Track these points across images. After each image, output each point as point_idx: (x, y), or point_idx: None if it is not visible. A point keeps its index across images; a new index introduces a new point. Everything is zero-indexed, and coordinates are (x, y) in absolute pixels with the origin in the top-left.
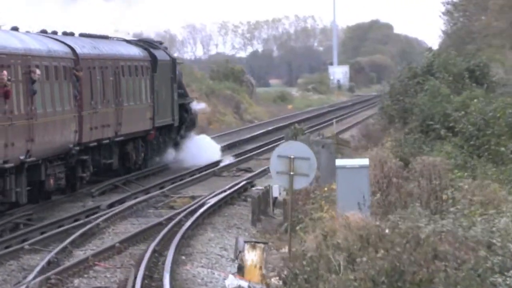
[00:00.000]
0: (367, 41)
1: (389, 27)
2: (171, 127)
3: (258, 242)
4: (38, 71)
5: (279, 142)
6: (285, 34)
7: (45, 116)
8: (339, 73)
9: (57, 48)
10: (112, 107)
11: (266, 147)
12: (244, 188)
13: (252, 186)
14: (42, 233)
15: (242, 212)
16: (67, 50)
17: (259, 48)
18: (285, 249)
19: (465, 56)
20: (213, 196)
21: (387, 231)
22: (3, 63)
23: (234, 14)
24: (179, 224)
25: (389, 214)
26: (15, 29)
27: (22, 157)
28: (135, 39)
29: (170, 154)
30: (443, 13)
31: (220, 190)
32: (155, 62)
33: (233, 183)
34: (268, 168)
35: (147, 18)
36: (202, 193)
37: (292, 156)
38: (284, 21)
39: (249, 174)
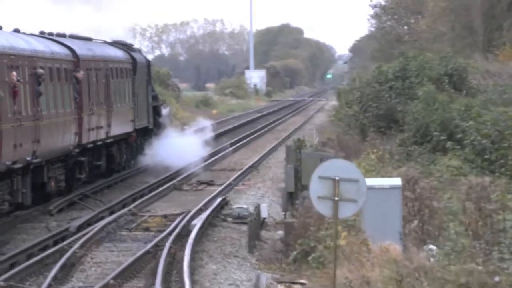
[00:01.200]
0: (278, 45)
1: (299, 31)
2: (146, 129)
3: (295, 283)
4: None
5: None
6: (192, 38)
7: (49, 117)
8: (255, 77)
9: (59, 50)
10: (104, 109)
11: (216, 157)
12: (221, 206)
13: (226, 203)
14: (12, 264)
15: (231, 236)
16: (68, 52)
17: (167, 51)
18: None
19: (441, 59)
20: (189, 216)
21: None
22: (12, 64)
23: (143, 17)
24: (170, 253)
25: (426, 244)
26: (17, 30)
27: (28, 158)
28: (111, 41)
29: (147, 156)
30: (371, 16)
31: (195, 209)
32: (135, 64)
33: (204, 200)
34: (233, 181)
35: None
36: (171, 210)
37: (336, 178)
38: (192, 24)
39: (212, 188)
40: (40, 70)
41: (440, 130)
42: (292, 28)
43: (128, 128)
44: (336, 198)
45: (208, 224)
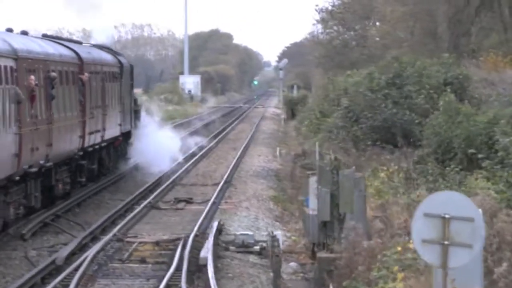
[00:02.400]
0: (207, 50)
1: (229, 37)
2: (129, 133)
3: None
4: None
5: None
6: (119, 42)
7: (59, 121)
8: (190, 83)
9: (66, 53)
10: (100, 112)
11: (181, 170)
12: (219, 231)
13: (221, 227)
14: None
15: (247, 271)
16: (74, 55)
17: None
18: None
19: (441, 66)
20: (189, 245)
21: None
22: (30, 67)
23: (72, 21)
24: None
25: None
26: (24, 33)
27: (42, 162)
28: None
29: (129, 160)
30: (317, 21)
31: (191, 235)
32: (122, 68)
33: (192, 222)
34: (215, 199)
35: None
36: (160, 235)
37: (447, 215)
38: (120, 28)
39: (193, 207)
40: (53, 74)
41: (465, 146)
42: (221, 34)
43: (116, 132)
44: (446, 242)
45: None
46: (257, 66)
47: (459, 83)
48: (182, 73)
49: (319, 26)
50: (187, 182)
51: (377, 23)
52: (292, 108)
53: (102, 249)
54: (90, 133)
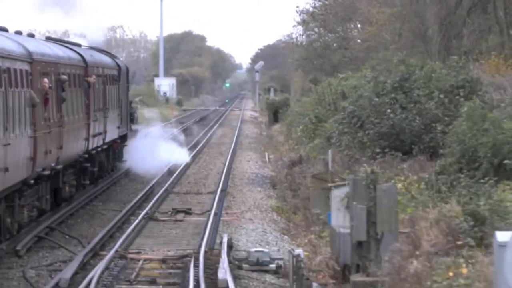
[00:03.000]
0: (180, 52)
1: (202, 39)
2: (125, 136)
3: None
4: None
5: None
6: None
7: (69, 124)
8: (165, 85)
9: (73, 55)
10: (102, 115)
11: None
12: (229, 246)
13: (230, 242)
14: None
15: None
16: (79, 57)
17: None
18: None
19: (450, 68)
20: (202, 264)
21: None
22: (43, 70)
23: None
24: None
25: None
26: (31, 35)
27: (53, 165)
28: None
29: (125, 162)
30: (298, 23)
31: (202, 251)
32: (120, 71)
33: (197, 236)
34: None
35: None
36: (164, 251)
37: None
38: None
39: (193, 218)
40: (64, 76)
41: (491, 155)
42: (194, 36)
43: (115, 134)
44: None
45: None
46: (229, 68)
47: (470, 86)
48: (156, 75)
49: (300, 28)
50: (180, 190)
51: (359, 25)
52: (274, 112)
53: (106, 267)
54: (94, 136)
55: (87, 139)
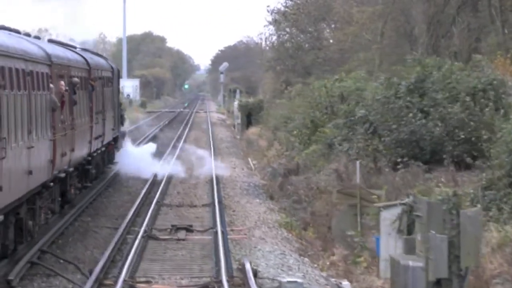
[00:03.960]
0: (140, 54)
1: (162, 40)
2: (117, 138)
3: None
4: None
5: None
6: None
7: (79, 126)
8: (129, 86)
9: (78, 58)
10: (101, 117)
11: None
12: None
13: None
14: None
15: None
16: (83, 60)
17: None
18: None
19: (472, 69)
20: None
21: None
22: (60, 73)
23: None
24: None
25: None
26: (37, 37)
27: (66, 167)
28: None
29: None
30: (269, 22)
31: (224, 280)
32: (113, 72)
33: (208, 259)
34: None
35: None
36: (176, 278)
37: None
38: (52, 31)
39: (196, 236)
40: (75, 79)
41: None
42: (155, 36)
43: (110, 137)
44: None
45: None
46: (189, 70)
47: (493, 89)
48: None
49: (271, 27)
50: (171, 202)
51: (333, 25)
52: (247, 115)
53: None
54: (96, 138)
55: (90, 142)
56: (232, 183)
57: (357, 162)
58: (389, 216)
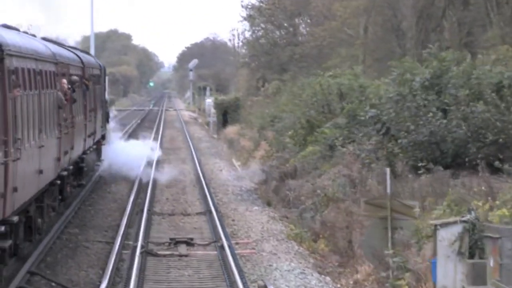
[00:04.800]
0: (106, 51)
1: (127, 37)
2: (104, 135)
3: None
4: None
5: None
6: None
7: (77, 124)
8: None
9: (74, 56)
10: (93, 115)
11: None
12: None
13: None
14: None
15: None
16: (78, 58)
17: None
18: None
19: (494, 64)
20: None
21: None
22: (62, 71)
23: None
24: None
25: None
26: (33, 35)
27: (66, 165)
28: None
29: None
30: (244, 18)
31: None
32: (101, 70)
33: (219, 281)
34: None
35: None
36: None
37: None
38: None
39: (199, 251)
40: (75, 77)
41: None
42: (120, 34)
43: (99, 134)
44: None
45: None
46: (154, 67)
47: None
48: None
49: (246, 23)
50: (162, 210)
51: (308, 20)
52: (223, 113)
53: None
54: (89, 136)
55: (85, 140)
56: (222, 188)
57: (387, 170)
58: (447, 236)
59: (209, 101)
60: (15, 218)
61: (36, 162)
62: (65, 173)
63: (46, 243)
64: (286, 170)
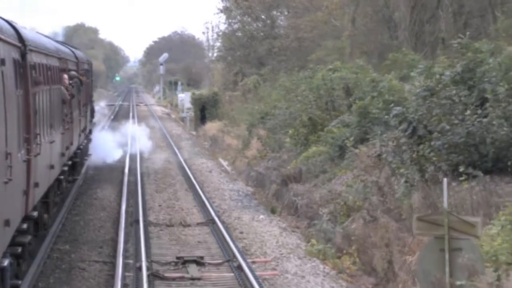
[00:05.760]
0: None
1: (94, 31)
2: (91, 130)
3: None
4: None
5: None
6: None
7: (74, 119)
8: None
9: (69, 51)
10: (84, 111)
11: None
12: None
13: None
14: None
15: None
16: (72, 53)
17: None
18: None
19: None
20: None
21: None
22: (63, 67)
23: None
24: None
25: None
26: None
27: (65, 160)
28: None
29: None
30: (221, 10)
31: None
32: (90, 65)
33: None
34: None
35: None
36: None
37: None
38: None
39: (214, 273)
40: (73, 73)
41: None
42: (87, 28)
43: (88, 129)
44: None
45: None
46: (120, 61)
47: None
48: None
49: (222, 16)
50: (158, 220)
51: (286, 13)
52: (201, 109)
53: None
54: (82, 131)
55: (79, 135)
56: (218, 192)
57: (444, 180)
58: None
59: (182, 96)
60: (35, 214)
61: (48, 157)
62: (65, 168)
63: (37, 265)
64: (288, 172)
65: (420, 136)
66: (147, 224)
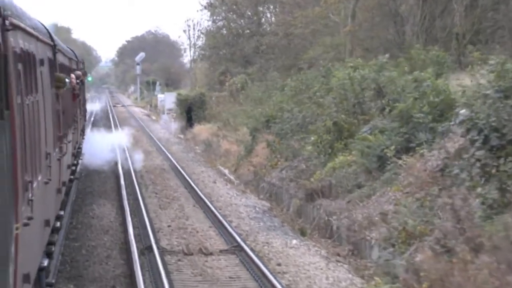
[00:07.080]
0: None
1: (68, 30)
2: (83, 131)
3: None
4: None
5: None
6: None
7: (78, 119)
8: None
9: (70, 51)
10: (82, 110)
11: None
12: None
13: None
14: None
15: None
16: (73, 53)
17: None
18: None
19: None
20: None
21: None
22: (72, 66)
23: None
24: None
25: None
26: None
27: (74, 160)
28: None
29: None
30: (205, 7)
31: None
32: (84, 64)
33: None
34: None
35: None
36: None
37: None
38: None
39: None
40: (78, 72)
41: None
42: (60, 27)
43: (83, 127)
44: None
45: None
46: (93, 62)
47: None
48: None
49: (206, 13)
50: (171, 245)
51: (273, 10)
52: (187, 110)
53: None
54: (82, 130)
55: (80, 134)
56: (231, 208)
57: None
58: None
59: (161, 96)
60: (62, 213)
61: (69, 156)
62: (73, 167)
63: None
64: (314, 186)
65: (493, 147)
66: (161, 250)
